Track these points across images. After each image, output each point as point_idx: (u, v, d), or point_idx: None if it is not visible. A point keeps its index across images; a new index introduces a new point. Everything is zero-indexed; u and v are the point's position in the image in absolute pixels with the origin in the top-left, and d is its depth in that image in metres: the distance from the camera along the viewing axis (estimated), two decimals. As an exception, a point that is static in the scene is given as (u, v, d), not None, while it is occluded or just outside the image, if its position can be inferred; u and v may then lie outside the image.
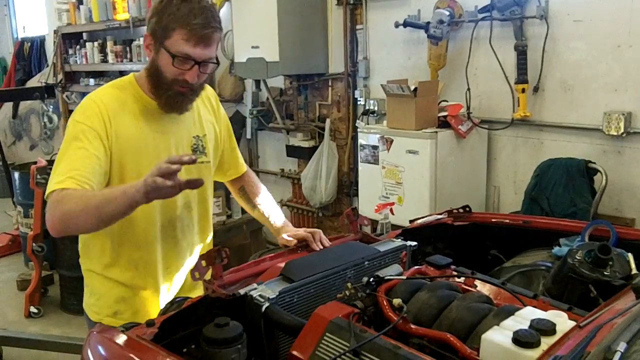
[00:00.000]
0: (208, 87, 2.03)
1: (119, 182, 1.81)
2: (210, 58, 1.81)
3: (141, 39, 5.92)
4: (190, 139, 1.97)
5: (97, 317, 1.97)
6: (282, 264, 1.72)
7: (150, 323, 1.49)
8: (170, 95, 1.82)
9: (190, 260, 2.03)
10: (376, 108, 4.27)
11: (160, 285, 1.98)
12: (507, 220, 2.34)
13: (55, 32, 7.26)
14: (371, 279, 1.54)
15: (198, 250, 2.06)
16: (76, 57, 7.10)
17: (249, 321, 1.51)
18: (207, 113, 2.06)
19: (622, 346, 1.04)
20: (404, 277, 1.59)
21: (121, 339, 1.45)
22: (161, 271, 1.97)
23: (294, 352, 1.34)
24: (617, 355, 1.03)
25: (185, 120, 1.94)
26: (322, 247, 1.98)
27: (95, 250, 1.95)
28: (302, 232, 2.08)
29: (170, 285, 2.01)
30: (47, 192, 1.69)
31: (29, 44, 8.53)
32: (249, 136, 5.44)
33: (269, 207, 2.24)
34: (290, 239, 2.06)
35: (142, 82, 1.88)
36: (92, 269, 1.98)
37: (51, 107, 7.39)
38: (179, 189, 1.49)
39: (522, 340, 1.19)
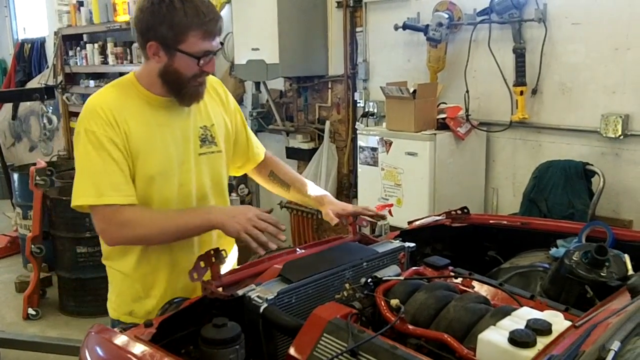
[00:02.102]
0: (211, 77, 1.98)
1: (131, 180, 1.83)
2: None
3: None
4: (197, 129, 1.94)
5: (115, 314, 1.98)
6: (281, 265, 1.72)
7: (148, 323, 1.50)
8: (191, 90, 1.85)
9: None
10: (376, 110, 4.29)
11: (170, 284, 1.93)
12: (505, 222, 2.35)
13: (56, 33, 7.28)
14: (369, 280, 1.54)
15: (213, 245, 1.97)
16: (76, 58, 7.11)
17: (247, 322, 1.51)
18: (214, 103, 2.02)
19: (616, 345, 1.05)
20: (402, 278, 1.59)
21: (119, 339, 1.46)
22: (171, 269, 1.93)
23: (292, 353, 1.35)
24: (611, 354, 1.03)
25: (189, 112, 1.92)
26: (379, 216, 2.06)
27: (117, 250, 1.93)
28: (350, 207, 2.06)
29: (179, 284, 1.92)
30: (91, 203, 1.76)
31: (29, 45, 8.53)
32: (248, 138, 5.44)
33: (302, 183, 2.20)
34: (333, 216, 2.02)
35: (143, 80, 1.88)
36: (113, 267, 1.98)
37: (51, 108, 7.37)
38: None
39: (518, 340, 1.20)
